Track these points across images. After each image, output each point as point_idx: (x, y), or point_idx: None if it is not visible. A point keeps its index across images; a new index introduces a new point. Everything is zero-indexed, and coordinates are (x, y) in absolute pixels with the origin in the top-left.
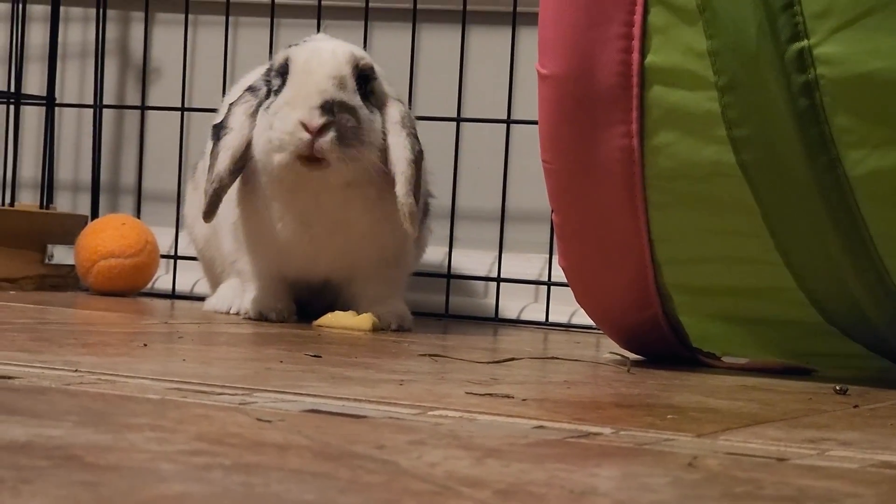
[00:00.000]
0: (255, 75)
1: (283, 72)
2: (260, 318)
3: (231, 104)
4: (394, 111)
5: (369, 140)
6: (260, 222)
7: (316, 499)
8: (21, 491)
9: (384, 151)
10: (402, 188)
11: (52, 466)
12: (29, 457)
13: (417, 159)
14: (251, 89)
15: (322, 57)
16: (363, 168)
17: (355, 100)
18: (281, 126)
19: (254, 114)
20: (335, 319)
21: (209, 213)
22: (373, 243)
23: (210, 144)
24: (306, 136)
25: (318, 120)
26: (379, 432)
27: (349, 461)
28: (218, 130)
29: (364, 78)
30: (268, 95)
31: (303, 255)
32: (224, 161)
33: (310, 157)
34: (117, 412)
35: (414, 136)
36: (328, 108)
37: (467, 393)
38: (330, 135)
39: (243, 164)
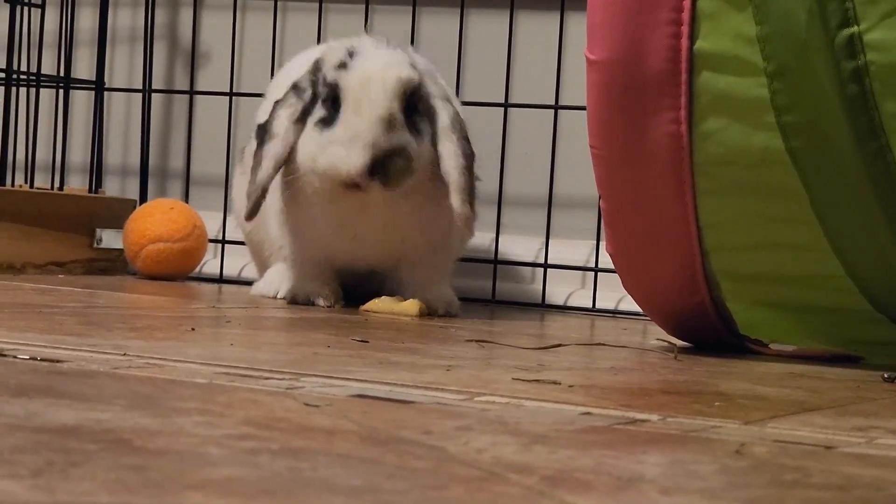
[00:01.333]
0: (298, 64)
1: (333, 95)
2: (308, 302)
3: (276, 103)
4: (443, 115)
5: (417, 168)
6: (303, 216)
7: (363, 484)
8: (70, 474)
9: (435, 157)
10: (456, 198)
11: (101, 450)
12: (78, 440)
13: (469, 164)
14: (296, 89)
15: (372, 93)
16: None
17: (404, 137)
18: (329, 165)
19: (298, 120)
20: (382, 304)
21: (251, 215)
22: (420, 231)
23: (254, 143)
24: (352, 181)
25: (366, 179)
26: (426, 418)
27: (396, 446)
28: (262, 133)
29: (413, 98)
30: (313, 99)
31: (347, 251)
32: (267, 170)
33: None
34: (165, 396)
35: (465, 140)
36: (378, 159)
37: (514, 379)
38: (376, 182)
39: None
